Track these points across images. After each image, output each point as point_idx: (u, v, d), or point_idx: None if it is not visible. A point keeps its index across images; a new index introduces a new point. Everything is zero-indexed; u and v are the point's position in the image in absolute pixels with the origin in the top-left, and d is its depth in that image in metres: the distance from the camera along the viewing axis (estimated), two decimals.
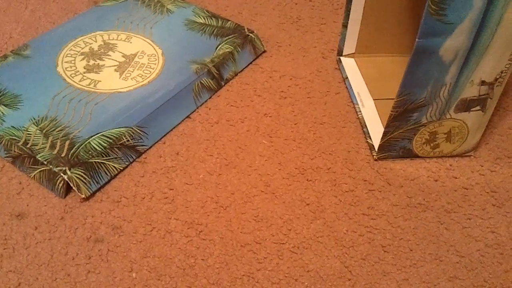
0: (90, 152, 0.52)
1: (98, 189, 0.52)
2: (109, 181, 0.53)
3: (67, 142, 0.53)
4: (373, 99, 0.62)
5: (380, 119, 0.60)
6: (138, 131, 0.55)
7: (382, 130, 0.58)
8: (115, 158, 0.53)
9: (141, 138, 0.55)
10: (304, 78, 0.66)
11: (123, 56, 0.63)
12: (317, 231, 0.50)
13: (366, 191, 0.53)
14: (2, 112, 0.55)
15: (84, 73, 0.60)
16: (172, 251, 0.48)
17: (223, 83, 0.64)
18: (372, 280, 0.46)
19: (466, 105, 0.51)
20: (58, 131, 0.54)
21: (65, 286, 0.45)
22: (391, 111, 0.51)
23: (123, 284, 0.45)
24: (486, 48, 0.46)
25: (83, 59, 0.62)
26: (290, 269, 0.47)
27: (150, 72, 0.61)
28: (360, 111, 0.61)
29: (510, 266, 0.48)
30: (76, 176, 0.50)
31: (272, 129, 0.59)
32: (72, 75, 0.60)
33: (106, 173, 0.53)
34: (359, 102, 0.62)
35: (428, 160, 0.57)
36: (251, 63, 0.67)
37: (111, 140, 0.53)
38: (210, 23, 0.69)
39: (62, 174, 0.50)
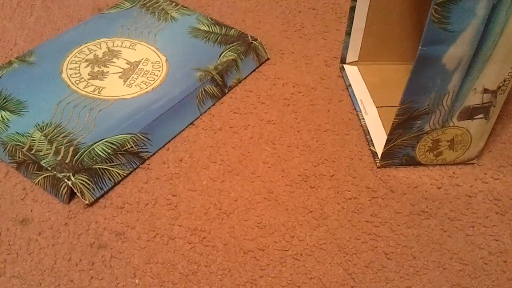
0: (94, 158, 0.52)
1: (102, 195, 0.53)
2: (112, 187, 0.53)
3: (71, 148, 0.53)
4: (376, 107, 0.62)
5: (383, 126, 0.60)
6: (142, 137, 0.55)
7: (385, 137, 0.58)
8: (119, 164, 0.53)
9: (145, 145, 0.56)
10: (307, 85, 0.66)
11: (127, 63, 0.63)
12: (320, 238, 0.50)
13: (369, 198, 0.53)
14: (7, 118, 0.56)
15: (89, 79, 0.61)
16: (175, 257, 0.48)
17: (226, 90, 0.64)
18: None
19: (469, 113, 0.51)
20: (63, 137, 0.54)
21: None
22: (394, 119, 0.51)
23: None
24: (489, 56, 0.46)
25: (87, 66, 0.62)
26: (293, 276, 0.47)
27: (154, 79, 0.61)
28: (363, 118, 0.61)
29: None
30: (80, 182, 0.50)
31: (275, 136, 0.59)
32: (77, 82, 0.60)
33: (110, 179, 0.53)
34: (362, 110, 0.62)
35: (431, 167, 0.57)
36: (254, 70, 0.68)
37: (115, 147, 0.53)
38: (214, 30, 0.69)
39: (66, 180, 0.50)
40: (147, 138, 0.56)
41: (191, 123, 0.60)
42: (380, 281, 0.47)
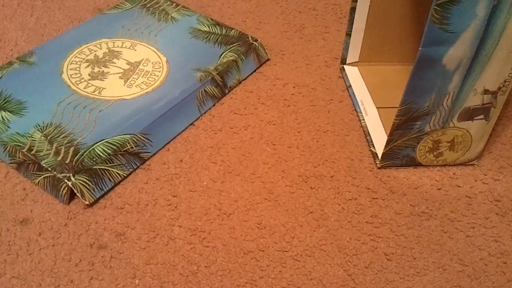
0: (94, 159, 0.52)
1: (102, 196, 0.53)
2: (113, 187, 0.53)
3: (72, 149, 0.53)
4: (377, 108, 0.62)
5: (384, 127, 0.60)
6: (142, 138, 0.55)
7: (385, 138, 0.58)
8: (119, 165, 0.53)
9: (145, 145, 0.56)
10: (308, 86, 0.66)
11: (127, 64, 0.63)
12: (320, 239, 0.50)
13: (369, 199, 0.53)
14: (7, 119, 0.56)
15: (89, 80, 0.61)
16: (175, 258, 0.48)
17: (227, 91, 0.64)
18: None
19: (469, 114, 0.51)
20: (63, 137, 0.54)
21: None
22: (395, 120, 0.51)
23: None
24: (490, 57, 0.46)
25: (88, 66, 0.62)
26: (293, 277, 0.47)
27: (155, 79, 0.61)
28: (363, 119, 0.61)
29: None
30: (80, 183, 0.50)
31: (275, 136, 0.59)
32: (77, 82, 0.60)
33: (110, 179, 0.53)
34: (362, 111, 0.62)
35: (432, 168, 0.57)
36: (255, 71, 0.68)
37: (115, 147, 0.53)
38: (214, 31, 0.69)
39: (66, 181, 0.50)
40: (147, 139, 0.56)
41: (191, 124, 0.60)
42: (380, 282, 0.47)
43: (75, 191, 0.50)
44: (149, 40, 0.67)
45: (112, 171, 0.53)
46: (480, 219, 0.52)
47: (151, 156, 0.57)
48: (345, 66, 0.68)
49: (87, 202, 0.51)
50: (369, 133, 0.59)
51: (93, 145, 0.53)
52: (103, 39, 0.67)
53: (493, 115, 0.52)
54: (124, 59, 0.64)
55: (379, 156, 0.57)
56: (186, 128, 0.60)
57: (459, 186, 0.55)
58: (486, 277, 0.47)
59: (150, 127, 0.56)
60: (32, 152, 0.52)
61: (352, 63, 0.68)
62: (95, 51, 0.65)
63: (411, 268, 0.48)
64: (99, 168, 0.52)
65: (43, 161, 0.51)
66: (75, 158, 0.52)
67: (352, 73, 0.67)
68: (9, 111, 0.57)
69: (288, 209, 0.52)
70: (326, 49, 0.72)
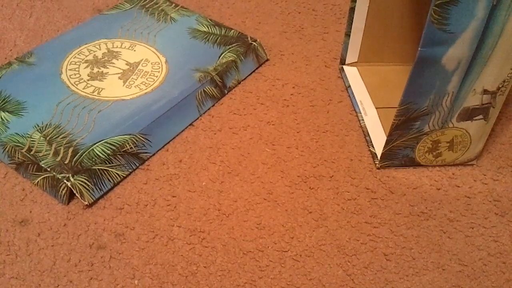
0: (93, 159, 0.52)
1: (101, 196, 0.52)
2: (112, 188, 0.53)
3: (71, 149, 0.53)
4: (376, 108, 0.62)
5: (383, 127, 0.60)
6: (142, 138, 0.55)
7: (384, 138, 0.58)
8: (118, 165, 0.53)
9: (145, 146, 0.56)
10: (307, 86, 0.66)
11: (127, 64, 0.63)
12: (319, 239, 0.50)
13: (368, 199, 0.53)
14: (6, 119, 0.56)
15: (88, 80, 0.61)
16: (174, 258, 0.48)
17: (226, 91, 0.64)
18: None
19: (469, 114, 0.51)
20: (62, 138, 0.54)
21: None
22: (394, 120, 0.51)
23: None
24: (489, 57, 0.46)
25: (87, 66, 0.62)
26: (292, 277, 0.47)
27: (154, 80, 0.61)
28: (362, 119, 0.61)
29: None
30: (79, 183, 0.50)
31: (275, 137, 0.59)
32: (76, 83, 0.60)
33: (109, 180, 0.53)
34: (361, 111, 0.62)
35: (431, 168, 0.57)
36: (254, 71, 0.68)
37: (114, 147, 0.53)
38: (213, 31, 0.69)
39: (65, 181, 0.50)
40: (147, 139, 0.56)
41: (190, 124, 0.60)
42: (380, 282, 0.47)
43: (74, 191, 0.50)
44: (148, 40, 0.67)
45: (112, 171, 0.53)
46: (479, 219, 0.52)
47: (151, 157, 0.57)
48: (344, 66, 0.68)
49: (86, 203, 0.51)
50: (368, 133, 0.59)
51: (92, 145, 0.53)
52: (102, 39, 0.67)
53: (492, 115, 0.52)
54: (123, 60, 0.64)
55: (379, 156, 0.57)
56: (185, 128, 0.60)
57: (458, 186, 0.55)
58: (485, 277, 0.47)
59: (149, 128, 0.56)
60: (31, 153, 0.52)
61: (351, 63, 0.68)
62: (94, 51, 0.65)
63: (410, 268, 0.48)
64: (98, 169, 0.52)
65: (42, 162, 0.51)
66: (74, 159, 0.52)
67: (351, 73, 0.67)
68: (8, 112, 0.57)
69: (288, 209, 0.52)
70: (325, 50, 0.72)
